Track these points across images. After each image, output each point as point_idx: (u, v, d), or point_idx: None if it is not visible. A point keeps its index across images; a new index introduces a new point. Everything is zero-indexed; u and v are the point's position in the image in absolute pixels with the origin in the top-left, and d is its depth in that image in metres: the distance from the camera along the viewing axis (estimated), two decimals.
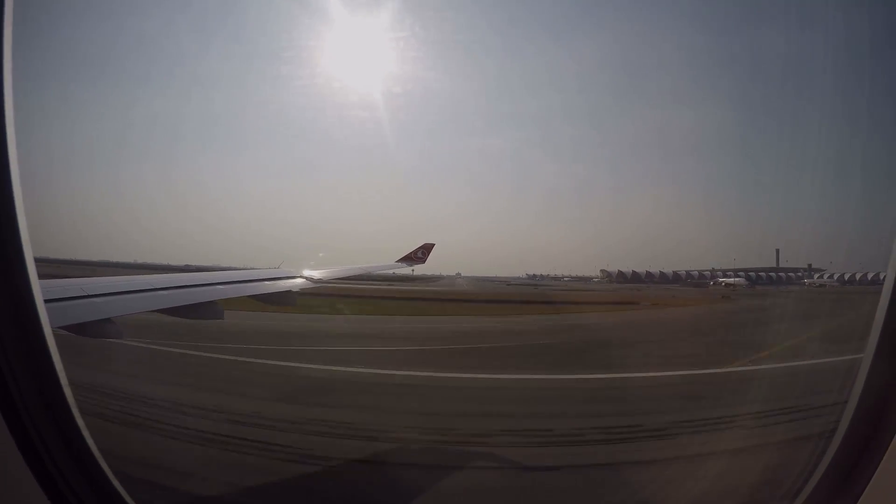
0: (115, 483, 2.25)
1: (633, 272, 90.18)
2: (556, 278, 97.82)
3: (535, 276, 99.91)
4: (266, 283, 6.88)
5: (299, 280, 7.30)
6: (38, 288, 2.01)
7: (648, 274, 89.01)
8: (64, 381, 2.09)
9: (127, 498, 2.26)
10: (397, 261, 10.75)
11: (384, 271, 10.99)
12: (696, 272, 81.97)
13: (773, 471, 5.01)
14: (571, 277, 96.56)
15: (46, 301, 2.11)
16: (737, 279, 66.12)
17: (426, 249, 10.93)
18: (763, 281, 71.75)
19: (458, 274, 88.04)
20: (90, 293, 4.85)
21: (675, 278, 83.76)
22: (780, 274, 70.98)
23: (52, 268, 17.08)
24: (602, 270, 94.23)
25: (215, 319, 6.05)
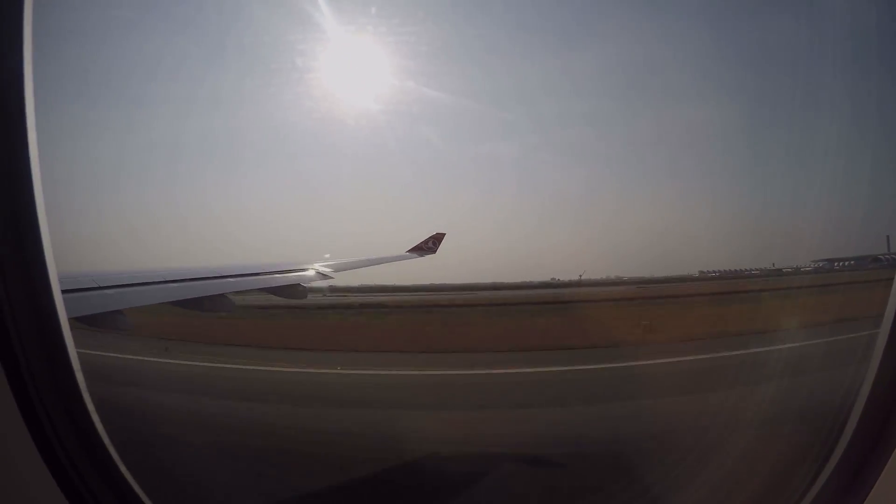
0: (131, 480, 2.21)
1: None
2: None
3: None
4: (276, 275, 6.81)
5: (310, 272, 7.24)
6: (56, 278, 1.93)
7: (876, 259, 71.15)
8: (80, 376, 2.03)
9: (144, 497, 2.22)
10: (408, 251, 10.57)
11: (395, 262, 10.87)
12: None
13: None
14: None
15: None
16: None
17: (437, 239, 10.74)
18: None
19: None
20: (102, 284, 4.82)
21: None
22: None
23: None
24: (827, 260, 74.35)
25: (225, 312, 6.01)
